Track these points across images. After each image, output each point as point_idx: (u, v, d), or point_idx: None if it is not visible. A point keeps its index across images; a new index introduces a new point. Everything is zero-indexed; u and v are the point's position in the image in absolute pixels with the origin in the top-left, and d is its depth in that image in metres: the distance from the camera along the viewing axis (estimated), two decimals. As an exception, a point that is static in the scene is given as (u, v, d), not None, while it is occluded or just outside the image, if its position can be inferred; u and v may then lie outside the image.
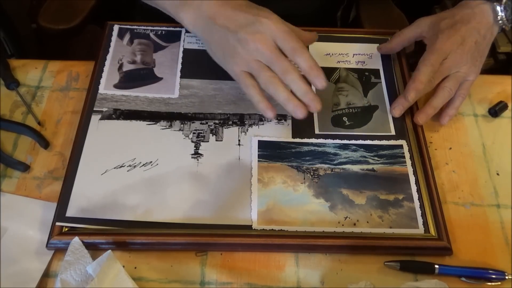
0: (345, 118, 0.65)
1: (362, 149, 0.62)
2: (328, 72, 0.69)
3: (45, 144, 0.62)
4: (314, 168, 0.60)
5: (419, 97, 0.63)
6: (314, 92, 0.55)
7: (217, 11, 0.58)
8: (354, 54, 0.72)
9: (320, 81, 0.55)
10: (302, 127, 0.63)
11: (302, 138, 0.63)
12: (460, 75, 0.64)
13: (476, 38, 0.63)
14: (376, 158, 0.61)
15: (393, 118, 0.65)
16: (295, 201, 0.57)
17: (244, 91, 0.58)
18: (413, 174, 0.60)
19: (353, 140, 0.63)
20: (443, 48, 0.62)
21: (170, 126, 0.63)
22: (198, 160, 0.60)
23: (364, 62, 0.71)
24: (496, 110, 0.67)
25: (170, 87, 0.66)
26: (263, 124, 0.64)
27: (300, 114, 0.55)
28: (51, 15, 0.82)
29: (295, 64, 0.56)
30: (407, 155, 0.62)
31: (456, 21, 0.64)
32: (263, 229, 0.55)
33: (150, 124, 0.63)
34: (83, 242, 0.53)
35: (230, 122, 0.64)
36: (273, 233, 0.55)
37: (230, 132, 0.63)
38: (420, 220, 0.57)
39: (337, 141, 0.63)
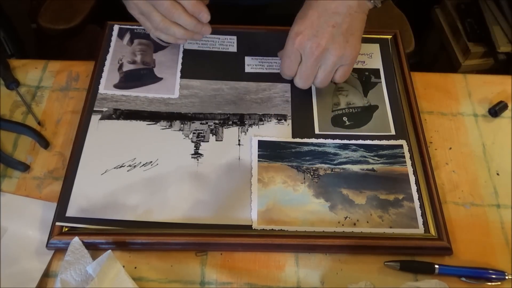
0: (345, 118, 0.65)
1: (362, 149, 0.62)
2: (328, 72, 0.69)
3: (45, 144, 0.62)
4: (314, 168, 0.60)
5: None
6: (200, 22, 0.61)
7: None
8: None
9: (204, 15, 0.60)
10: (302, 127, 0.64)
11: (302, 138, 0.63)
12: (330, 63, 0.60)
13: (334, 20, 0.59)
14: (376, 158, 0.61)
15: (393, 118, 0.65)
16: (295, 201, 0.57)
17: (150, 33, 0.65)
18: (413, 174, 0.60)
19: (353, 140, 0.63)
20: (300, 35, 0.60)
21: (170, 126, 0.63)
22: (198, 160, 0.60)
23: (364, 62, 0.71)
24: (496, 110, 0.67)
25: (170, 87, 0.66)
26: (263, 124, 0.64)
27: (198, 38, 0.65)
28: (51, 15, 0.82)
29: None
30: (407, 155, 0.62)
31: (307, 7, 0.61)
32: (263, 229, 0.55)
33: (150, 124, 0.63)
34: (83, 242, 0.53)
35: (230, 122, 0.63)
36: (273, 233, 0.55)
37: (230, 132, 0.63)
38: (420, 220, 0.57)
39: (337, 141, 0.63)
